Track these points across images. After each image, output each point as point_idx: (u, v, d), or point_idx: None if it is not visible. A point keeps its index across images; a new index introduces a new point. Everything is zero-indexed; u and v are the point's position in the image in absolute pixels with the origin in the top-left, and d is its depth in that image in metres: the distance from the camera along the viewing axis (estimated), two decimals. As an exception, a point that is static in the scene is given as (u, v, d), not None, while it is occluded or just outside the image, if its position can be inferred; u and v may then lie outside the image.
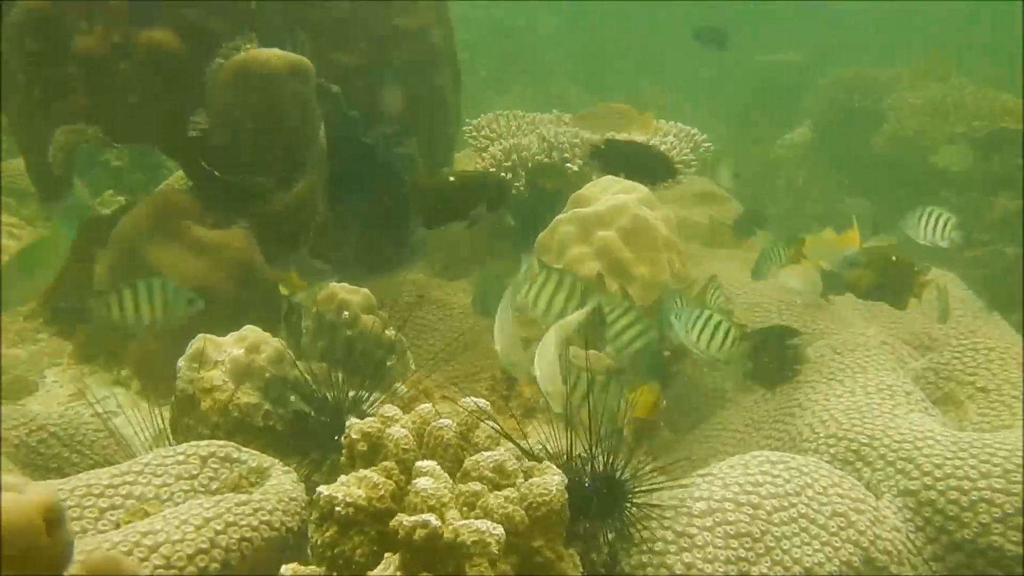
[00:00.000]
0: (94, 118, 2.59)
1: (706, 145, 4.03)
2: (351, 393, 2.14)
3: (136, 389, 2.54)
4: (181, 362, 2.01)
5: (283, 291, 2.50)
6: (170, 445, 1.87)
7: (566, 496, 1.41)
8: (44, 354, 2.69)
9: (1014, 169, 4.33)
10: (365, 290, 2.59)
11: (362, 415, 2.03)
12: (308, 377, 2.05)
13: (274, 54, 2.62)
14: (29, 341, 2.75)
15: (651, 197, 2.73)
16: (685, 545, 1.55)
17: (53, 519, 0.82)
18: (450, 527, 1.28)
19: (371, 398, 2.13)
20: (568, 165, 3.43)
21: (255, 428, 1.94)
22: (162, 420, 2.06)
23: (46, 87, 2.54)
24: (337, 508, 1.35)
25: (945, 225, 2.09)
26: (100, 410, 2.00)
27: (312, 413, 2.00)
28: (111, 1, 2.49)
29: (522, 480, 1.47)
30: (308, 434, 1.99)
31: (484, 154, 3.84)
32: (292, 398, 2.02)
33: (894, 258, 2.13)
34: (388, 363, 2.50)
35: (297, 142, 2.76)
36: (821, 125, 6.65)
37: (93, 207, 3.96)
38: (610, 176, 3.00)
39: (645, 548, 1.57)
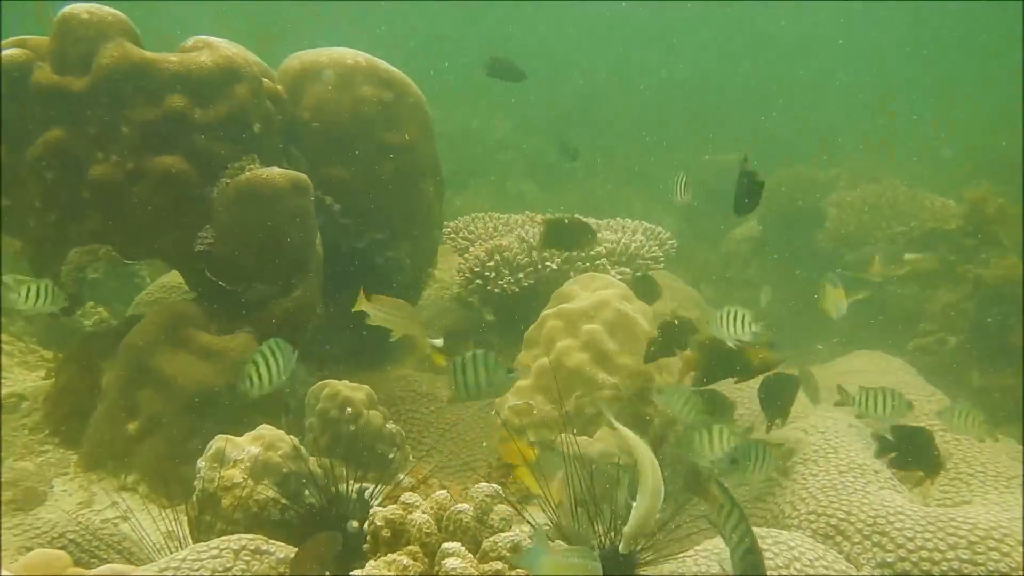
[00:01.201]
0: (107, 239, 2.76)
1: (671, 242, 4.32)
2: (356, 486, 2.25)
3: (144, 493, 2.61)
4: (201, 462, 2.12)
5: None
6: (186, 544, 1.96)
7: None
8: (51, 464, 2.75)
9: (949, 265, 4.67)
10: (367, 387, 2.73)
11: (367, 507, 2.15)
12: (322, 472, 2.16)
13: (277, 172, 2.83)
14: (35, 453, 2.81)
15: (629, 292, 2.94)
16: (688, 616, 1.67)
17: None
18: (479, 603, 1.41)
19: (376, 490, 2.23)
20: (548, 264, 3.66)
21: (272, 522, 2.03)
22: (175, 520, 2.15)
23: (62, 212, 2.70)
24: (371, 592, 1.47)
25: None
26: (122, 516, 2.07)
27: (326, 506, 2.11)
28: (125, 131, 2.69)
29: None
30: (321, 526, 2.09)
31: (466, 255, 4.07)
32: (307, 492, 2.12)
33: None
34: (390, 455, 2.62)
35: (297, 252, 2.95)
36: (767, 220, 7.06)
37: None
38: (589, 273, 3.24)
39: (651, 622, 1.69)
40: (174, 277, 4.42)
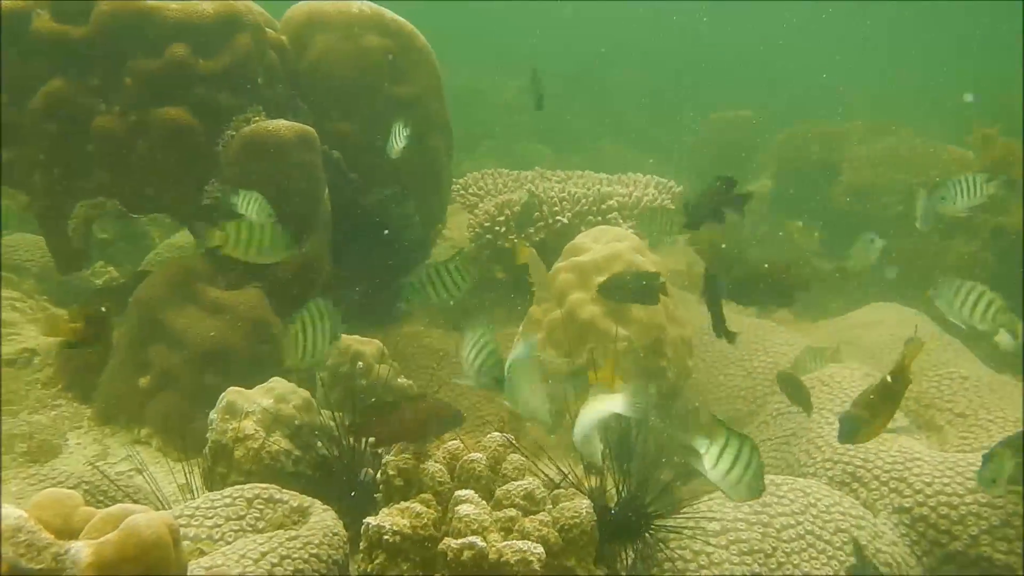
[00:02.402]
0: (113, 192, 2.73)
1: (679, 190, 4.27)
2: (368, 439, 2.24)
3: (157, 446, 2.62)
4: (213, 414, 2.11)
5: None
6: (200, 495, 1.97)
7: (595, 518, 1.53)
8: (65, 418, 2.76)
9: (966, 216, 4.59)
10: (377, 342, 2.71)
11: (379, 459, 2.14)
12: (334, 424, 2.16)
13: (282, 124, 2.78)
14: (49, 407, 2.82)
15: (641, 245, 2.90)
16: (703, 563, 1.67)
17: (175, 537, 0.94)
18: (494, 548, 1.40)
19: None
20: (559, 218, 3.61)
21: (286, 473, 2.03)
22: (189, 472, 2.15)
23: (67, 166, 2.67)
24: (385, 537, 1.46)
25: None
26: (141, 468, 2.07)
27: (338, 457, 2.10)
28: (128, 82, 2.64)
29: (551, 506, 1.59)
30: (334, 477, 2.09)
31: (475, 210, 4.03)
32: (319, 444, 2.12)
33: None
34: (402, 411, 2.61)
35: (305, 206, 2.91)
36: (780, 177, 6.95)
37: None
38: (601, 226, 3.19)
39: (667, 567, 1.68)
40: (183, 236, 4.40)
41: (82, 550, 0.87)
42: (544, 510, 1.55)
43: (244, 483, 1.95)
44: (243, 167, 2.76)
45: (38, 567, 0.83)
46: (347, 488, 2.05)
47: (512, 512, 1.52)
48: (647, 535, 1.71)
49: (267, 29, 2.91)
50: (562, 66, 12.11)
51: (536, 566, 1.38)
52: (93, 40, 2.54)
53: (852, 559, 1.68)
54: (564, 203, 3.67)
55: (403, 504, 1.55)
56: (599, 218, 3.61)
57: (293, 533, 1.59)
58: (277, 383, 2.18)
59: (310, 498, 1.78)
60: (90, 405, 2.84)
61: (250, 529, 1.65)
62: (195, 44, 2.64)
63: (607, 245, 2.80)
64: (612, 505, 1.73)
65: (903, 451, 1.98)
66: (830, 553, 1.68)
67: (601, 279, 2.66)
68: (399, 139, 2.82)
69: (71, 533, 0.94)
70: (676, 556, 1.69)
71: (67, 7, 2.53)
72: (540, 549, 1.40)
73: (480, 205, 4.02)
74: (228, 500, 1.69)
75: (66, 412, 2.82)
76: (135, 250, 4.72)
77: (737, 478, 1.39)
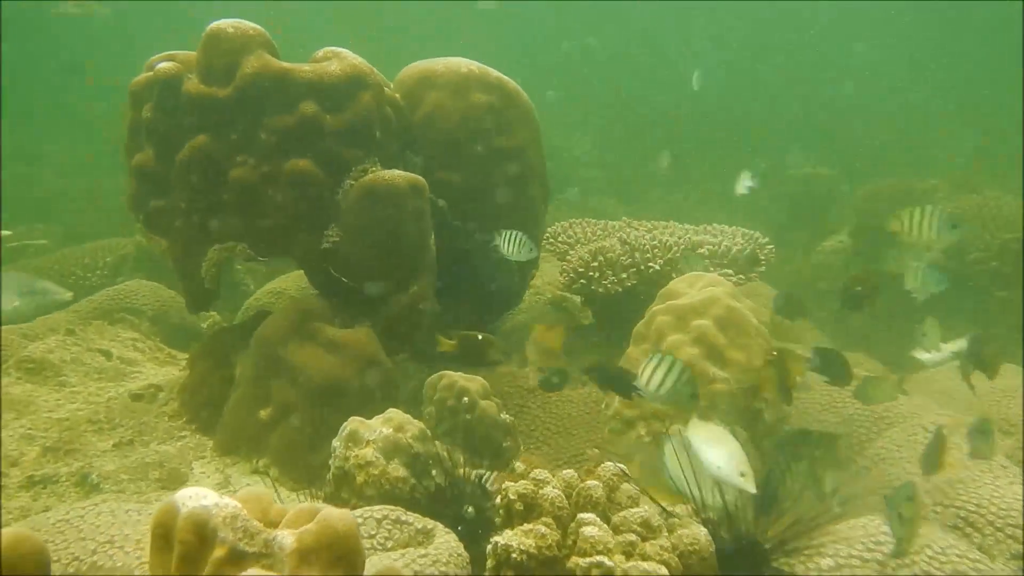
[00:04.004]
0: (243, 237, 2.96)
1: (769, 247, 4.29)
2: (474, 472, 2.35)
3: (275, 476, 2.79)
4: (336, 442, 2.26)
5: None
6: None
7: (713, 546, 1.59)
8: (189, 448, 2.97)
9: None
10: (480, 378, 2.84)
11: (485, 491, 2.24)
12: (446, 455, 2.27)
13: (398, 174, 2.98)
14: (175, 438, 3.04)
15: (737, 291, 2.96)
16: (818, 598, 1.69)
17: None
18: (620, 568, 1.47)
19: (492, 476, 2.32)
20: (650, 264, 3.70)
21: (403, 499, 2.15)
22: (312, 498, 2.29)
23: (204, 212, 2.92)
24: (513, 555, 1.55)
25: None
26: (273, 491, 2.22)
27: (452, 487, 2.21)
28: (263, 136, 2.89)
29: (666, 535, 1.65)
30: (446, 504, 2.20)
31: (568, 256, 4.15)
32: (434, 472, 2.23)
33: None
34: (504, 444, 2.71)
35: (414, 250, 3.09)
36: (858, 232, 6.88)
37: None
38: (695, 272, 3.26)
39: (780, 601, 1.71)
40: (279, 283, 4.68)
41: (287, 537, 1.00)
42: (661, 537, 1.62)
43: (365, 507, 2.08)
44: (360, 213, 2.96)
45: (252, 550, 0.96)
46: (456, 518, 2.16)
47: (632, 537, 1.59)
48: (761, 570, 1.75)
49: (385, 87, 3.14)
50: (629, 113, 12.29)
51: (660, 587, 1.44)
52: (235, 100, 2.80)
53: (971, 600, 1.67)
54: (656, 250, 3.76)
55: (527, 526, 1.64)
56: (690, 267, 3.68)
57: (423, 551, 1.70)
58: (395, 414, 2.32)
59: (433, 521, 1.89)
60: (212, 437, 3.05)
61: (380, 548, 1.77)
62: (323, 102, 2.88)
63: (703, 290, 2.87)
64: (726, 537, 1.77)
65: (1017, 498, 1.96)
66: (944, 587, 1.68)
67: (699, 321, 2.73)
68: (517, 247, 3.08)
69: (268, 525, 1.07)
70: (790, 591, 1.71)
71: (213, 70, 2.81)
72: (664, 571, 1.46)
73: (572, 251, 4.15)
74: (359, 520, 1.81)
75: (191, 443, 3.03)
76: (232, 296, 5.04)
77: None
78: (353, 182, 2.99)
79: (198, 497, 0.99)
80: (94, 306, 4.39)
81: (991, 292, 5.18)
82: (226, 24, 2.81)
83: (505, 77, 3.49)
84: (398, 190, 2.95)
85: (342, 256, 3.02)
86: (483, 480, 2.30)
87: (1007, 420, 2.73)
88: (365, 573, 1.08)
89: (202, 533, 0.96)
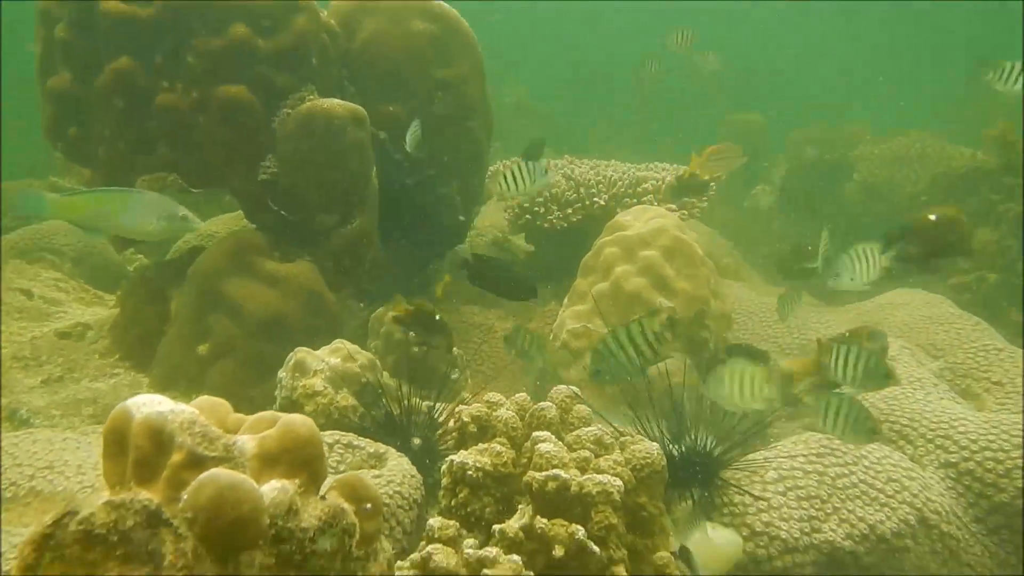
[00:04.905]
0: (174, 167, 2.83)
1: (711, 184, 4.34)
2: (424, 403, 2.34)
3: (216, 412, 2.72)
4: (282, 373, 2.21)
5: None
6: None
7: (665, 460, 1.62)
8: (124, 386, 2.86)
9: (988, 205, 4.68)
10: (426, 313, 2.81)
11: (435, 421, 2.24)
12: (395, 385, 2.25)
13: (337, 103, 2.88)
14: (108, 376, 2.92)
15: (682, 223, 2.99)
16: (762, 507, 1.75)
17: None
18: (575, 481, 1.49)
19: (441, 408, 2.32)
20: (595, 200, 3.70)
21: (353, 428, 2.12)
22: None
23: (131, 141, 2.77)
24: (468, 472, 1.55)
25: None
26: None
27: (400, 415, 2.20)
28: (190, 60, 2.74)
29: (619, 452, 1.68)
30: (396, 434, 2.18)
31: (512, 198, 4.11)
32: (383, 402, 2.21)
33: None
34: (453, 376, 2.71)
35: (355, 183, 3.01)
36: (791, 176, 7.04)
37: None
38: (641, 206, 3.28)
39: (726, 512, 1.77)
40: (211, 226, 4.51)
41: (248, 442, 0.97)
42: (615, 452, 1.64)
43: (315, 437, 2.05)
44: (298, 144, 2.86)
45: (212, 454, 0.92)
46: (406, 449, 2.15)
47: (586, 453, 1.61)
48: (708, 482, 1.80)
49: (320, 12, 3.01)
50: (565, 69, 12.16)
51: (616, 497, 1.46)
52: (159, 19, 2.64)
53: (904, 507, 1.76)
54: (600, 186, 3.76)
55: (482, 445, 1.64)
56: (635, 200, 3.70)
57: (376, 472, 1.68)
58: (342, 344, 2.28)
59: (385, 446, 1.87)
60: (147, 374, 2.94)
61: (332, 471, 1.75)
62: (255, 24, 2.74)
63: (651, 220, 2.88)
64: (675, 453, 1.81)
65: (947, 411, 2.06)
66: (883, 500, 1.76)
67: (647, 252, 2.75)
68: (413, 137, 3.01)
69: (227, 433, 1.03)
70: (736, 502, 1.77)
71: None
72: (619, 483, 1.48)
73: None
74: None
75: (125, 380, 2.92)
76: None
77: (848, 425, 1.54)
78: (290, 111, 2.87)
79: (152, 403, 0.94)
80: (10, 245, 4.16)
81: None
82: (149, -64, 2.62)
83: (446, 5, 3.38)
84: (338, 119, 2.85)
85: (280, 188, 2.91)
86: (432, 412, 2.30)
87: (934, 345, 2.86)
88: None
89: (158, 439, 0.91)
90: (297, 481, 0.97)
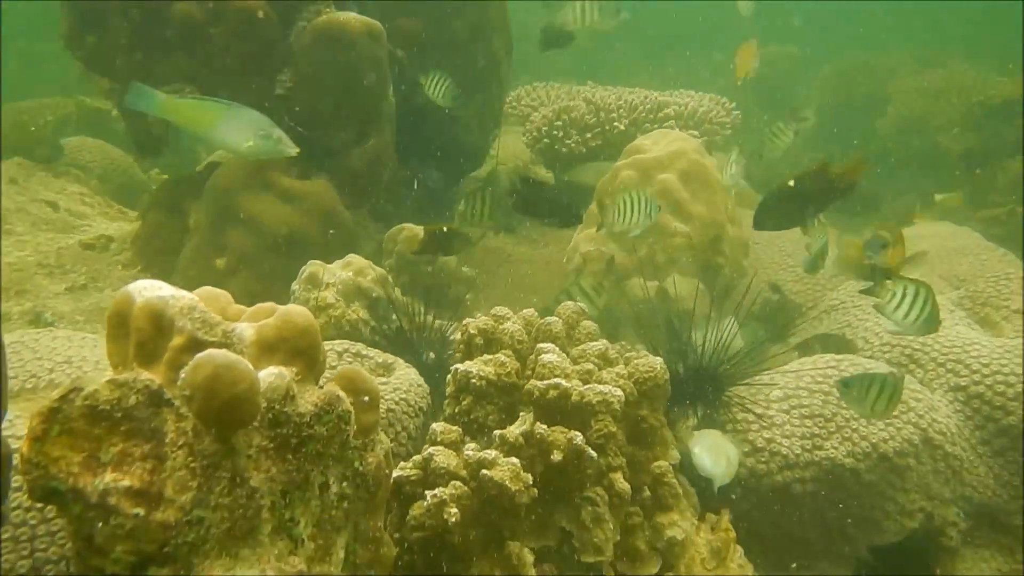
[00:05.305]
0: (192, 78, 2.81)
1: (736, 112, 4.25)
2: (435, 322, 2.37)
3: (234, 325, 2.77)
4: (295, 285, 2.24)
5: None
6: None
7: (667, 374, 1.63)
8: (145, 296, 2.92)
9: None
10: (442, 233, 2.81)
11: (447, 340, 2.26)
12: (406, 301, 2.27)
13: (352, 17, 2.83)
14: (129, 285, 2.98)
15: (703, 147, 2.93)
16: (765, 424, 1.77)
17: (319, 334, 1.05)
18: (576, 390, 1.51)
19: (453, 327, 2.34)
20: (615, 124, 3.64)
21: (364, 341, 2.15)
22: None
23: (148, 51, 2.76)
24: (472, 380, 1.58)
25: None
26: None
27: (412, 331, 2.22)
28: (206, -31, 2.69)
29: (623, 366, 1.69)
30: (406, 349, 2.21)
31: (531, 118, 4.05)
32: (394, 316, 2.24)
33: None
34: (466, 297, 2.73)
35: (371, 100, 2.98)
36: (825, 111, 6.82)
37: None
38: (660, 130, 3.22)
39: (728, 428, 1.79)
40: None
41: (247, 329, 0.98)
42: (618, 366, 1.66)
43: (327, 347, 2.09)
44: (314, 58, 2.82)
45: (211, 339, 0.95)
46: (416, 364, 2.18)
47: (589, 366, 1.62)
48: (712, 399, 1.81)
49: (338, -80, 2.93)
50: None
51: (616, 406, 1.48)
52: (174, -75, 2.59)
53: (909, 427, 1.77)
54: (621, 110, 3.69)
55: (487, 356, 1.66)
56: (656, 126, 3.63)
57: (383, 379, 1.72)
58: (355, 258, 2.29)
59: (393, 356, 1.90)
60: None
61: (342, 377, 1.78)
62: (271, -68, 2.68)
63: (670, 144, 2.83)
64: (680, 371, 1.83)
65: (960, 336, 2.04)
66: (887, 419, 1.76)
67: (663, 176, 2.71)
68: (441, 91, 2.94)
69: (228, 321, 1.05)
70: (739, 419, 1.79)
71: None
72: (620, 393, 1.50)
73: (532, 115, 4.05)
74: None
75: (146, 292, 2.98)
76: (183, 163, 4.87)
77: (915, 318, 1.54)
78: (306, 24, 2.83)
79: (154, 288, 0.96)
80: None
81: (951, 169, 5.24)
82: None
83: (468, -85, 3.28)
84: (354, 33, 2.81)
85: (297, 104, 2.89)
86: (444, 330, 2.32)
87: (956, 276, 2.82)
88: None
89: (158, 323, 0.93)
90: (294, 369, 0.99)
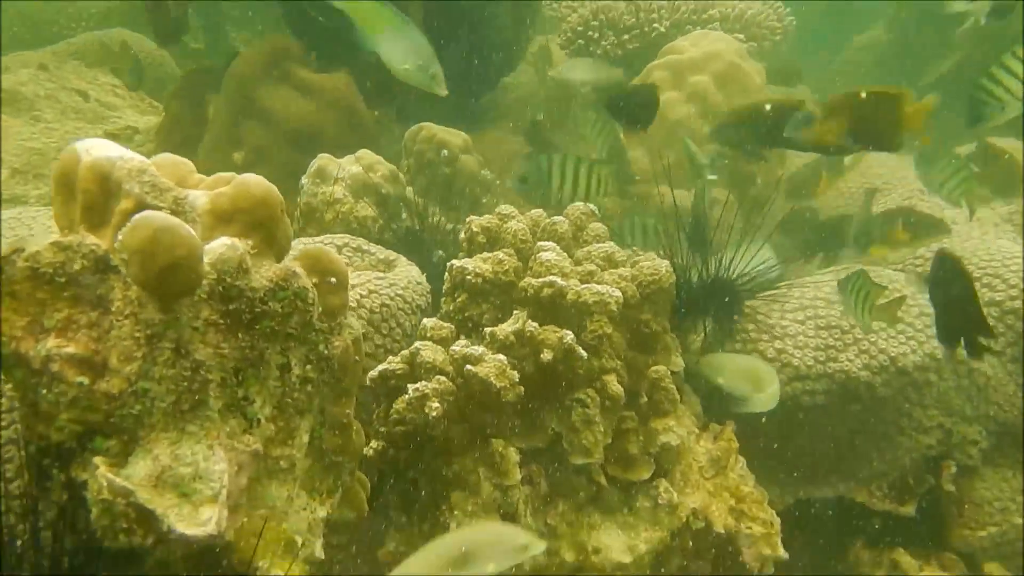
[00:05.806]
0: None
1: (789, 18, 3.98)
2: (447, 224, 2.30)
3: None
4: (304, 179, 2.18)
5: None
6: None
7: (674, 278, 1.55)
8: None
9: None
10: (463, 134, 2.71)
11: (458, 241, 2.19)
12: (418, 199, 2.21)
13: (377, -102, 2.66)
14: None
15: (744, 50, 2.75)
16: (777, 334, 1.68)
17: (282, 208, 0.99)
18: (573, 289, 1.44)
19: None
20: (655, 25, 3.44)
21: (372, 239, 2.11)
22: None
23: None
24: (468, 277, 1.52)
25: None
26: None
27: (423, 231, 2.17)
28: None
29: (628, 268, 1.61)
30: (415, 248, 2.16)
31: (566, 22, 3.86)
32: (404, 215, 2.18)
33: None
34: (484, 200, 2.65)
35: (396, -9, 2.83)
36: (895, 25, 6.35)
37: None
38: (701, 31, 3.03)
39: (739, 337, 1.71)
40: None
41: (200, 197, 0.93)
42: (623, 268, 1.58)
43: (334, 242, 2.04)
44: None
45: (161, 205, 0.89)
46: (425, 264, 2.13)
47: (592, 267, 1.55)
48: (726, 307, 1.73)
49: None
50: None
51: (613, 307, 1.41)
52: None
53: (933, 341, 1.66)
54: (662, 10, 3.48)
55: (486, 253, 1.59)
56: (699, 28, 3.41)
57: (380, 274, 1.67)
58: (365, 153, 2.22)
59: (396, 253, 1.85)
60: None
61: (341, 270, 1.74)
62: None
63: (710, 44, 2.66)
64: (694, 280, 1.74)
65: (1001, 251, 1.91)
66: (910, 334, 1.67)
67: (697, 78, 2.56)
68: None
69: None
70: (750, 328, 1.71)
71: None
72: (618, 293, 1.43)
73: (570, 16, 3.85)
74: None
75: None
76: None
77: None
78: (328, -96, 2.68)
79: (102, 147, 0.91)
80: (73, 48, 4.15)
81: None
82: None
83: None
84: (378, -84, 2.65)
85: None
86: (457, 231, 2.25)
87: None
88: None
89: (105, 185, 0.88)
90: (250, 242, 0.94)
